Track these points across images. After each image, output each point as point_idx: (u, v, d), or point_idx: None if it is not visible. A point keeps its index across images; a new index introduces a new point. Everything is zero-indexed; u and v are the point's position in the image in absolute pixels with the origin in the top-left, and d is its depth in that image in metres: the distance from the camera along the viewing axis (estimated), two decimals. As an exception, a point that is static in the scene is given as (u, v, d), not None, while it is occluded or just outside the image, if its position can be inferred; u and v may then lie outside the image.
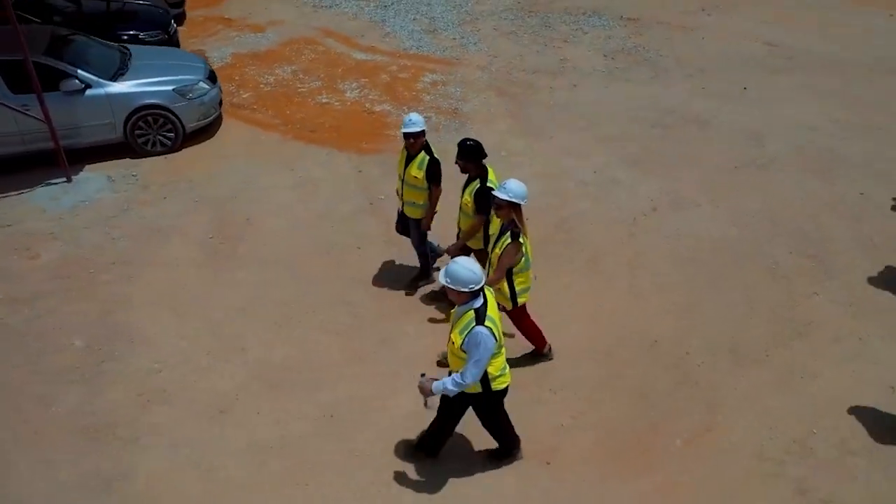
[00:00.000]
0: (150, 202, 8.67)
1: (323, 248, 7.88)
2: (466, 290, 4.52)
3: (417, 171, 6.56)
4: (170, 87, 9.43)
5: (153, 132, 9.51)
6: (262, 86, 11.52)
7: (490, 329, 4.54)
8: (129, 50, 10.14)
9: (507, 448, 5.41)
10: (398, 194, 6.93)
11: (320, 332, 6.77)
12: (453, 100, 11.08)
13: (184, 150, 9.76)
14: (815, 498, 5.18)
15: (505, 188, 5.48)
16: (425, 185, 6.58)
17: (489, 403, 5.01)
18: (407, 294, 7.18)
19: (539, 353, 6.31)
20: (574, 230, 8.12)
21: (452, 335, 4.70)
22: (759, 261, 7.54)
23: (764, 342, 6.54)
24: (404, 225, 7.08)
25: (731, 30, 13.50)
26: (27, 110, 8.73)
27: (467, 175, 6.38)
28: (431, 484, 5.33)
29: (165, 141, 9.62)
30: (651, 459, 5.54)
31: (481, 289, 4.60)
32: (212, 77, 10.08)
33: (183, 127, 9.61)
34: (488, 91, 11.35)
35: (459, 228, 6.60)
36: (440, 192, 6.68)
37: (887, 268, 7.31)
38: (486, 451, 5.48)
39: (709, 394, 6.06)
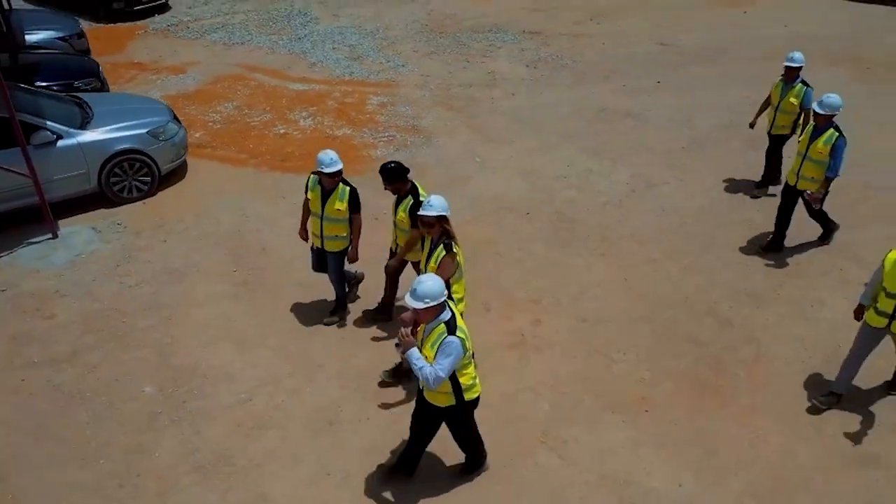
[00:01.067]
0: (150, 247, 8.43)
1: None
2: (438, 302, 4.61)
3: (340, 203, 6.58)
4: (144, 130, 9.20)
5: (129, 178, 9.22)
6: (210, 124, 11.40)
7: (461, 339, 4.68)
8: (82, 99, 9.73)
9: (475, 461, 5.58)
10: (309, 234, 6.95)
11: (377, 339, 7.03)
12: (407, 118, 11.59)
13: (159, 194, 9.52)
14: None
15: (430, 205, 5.63)
16: (347, 216, 6.67)
17: (462, 414, 5.13)
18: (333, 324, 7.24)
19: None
20: (573, 218, 8.92)
21: (424, 351, 4.76)
22: (737, 221, 8.73)
23: (769, 284, 7.67)
24: (322, 262, 7.04)
25: (623, 35, 15.09)
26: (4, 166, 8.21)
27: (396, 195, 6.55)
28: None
29: (141, 186, 9.35)
30: (725, 393, 6.39)
31: (444, 303, 4.71)
32: (175, 117, 9.92)
33: (158, 170, 9.39)
34: (436, 107, 11.98)
35: (396, 245, 6.76)
36: (361, 219, 6.80)
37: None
38: (458, 465, 5.64)
39: (746, 331, 7.06)
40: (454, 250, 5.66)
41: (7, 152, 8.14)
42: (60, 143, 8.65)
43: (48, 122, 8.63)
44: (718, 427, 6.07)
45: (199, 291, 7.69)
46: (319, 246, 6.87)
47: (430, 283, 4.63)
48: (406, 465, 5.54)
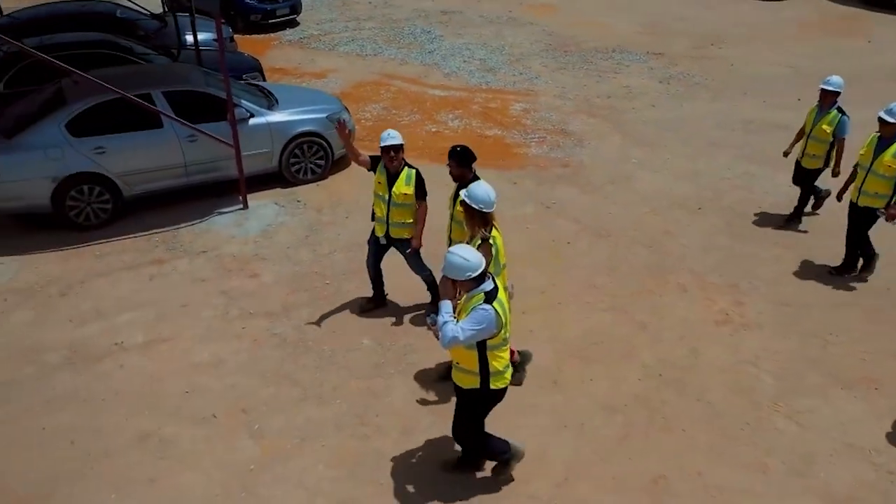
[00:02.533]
0: (333, 222, 8.71)
1: (539, 244, 8.23)
2: (464, 278, 4.36)
3: (406, 187, 6.24)
4: (322, 115, 9.59)
5: (306, 160, 9.58)
6: (362, 121, 11.79)
7: (497, 312, 4.38)
8: (264, 87, 10.22)
9: (469, 459, 5.23)
10: (376, 219, 6.53)
11: (590, 310, 7.09)
12: (554, 122, 11.82)
13: (330, 178, 9.87)
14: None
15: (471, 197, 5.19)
16: (415, 202, 6.31)
17: (481, 402, 4.79)
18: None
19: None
20: (746, 214, 8.94)
21: (459, 319, 4.47)
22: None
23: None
24: (380, 254, 6.76)
25: (748, 58, 15.18)
26: (193, 140, 8.65)
27: (456, 185, 6.01)
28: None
29: (316, 168, 9.71)
30: None
31: (484, 274, 4.45)
32: (345, 108, 10.31)
33: (332, 153, 9.75)
34: (579, 114, 12.19)
35: (450, 240, 6.14)
36: (426, 206, 6.42)
37: None
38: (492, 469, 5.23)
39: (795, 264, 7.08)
40: (490, 241, 5.24)
41: (209, 125, 8.58)
42: (252, 121, 9.08)
43: (243, 101, 9.08)
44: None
45: (390, 261, 7.86)
46: (384, 233, 6.46)
47: (454, 256, 4.36)
48: (466, 462, 5.27)
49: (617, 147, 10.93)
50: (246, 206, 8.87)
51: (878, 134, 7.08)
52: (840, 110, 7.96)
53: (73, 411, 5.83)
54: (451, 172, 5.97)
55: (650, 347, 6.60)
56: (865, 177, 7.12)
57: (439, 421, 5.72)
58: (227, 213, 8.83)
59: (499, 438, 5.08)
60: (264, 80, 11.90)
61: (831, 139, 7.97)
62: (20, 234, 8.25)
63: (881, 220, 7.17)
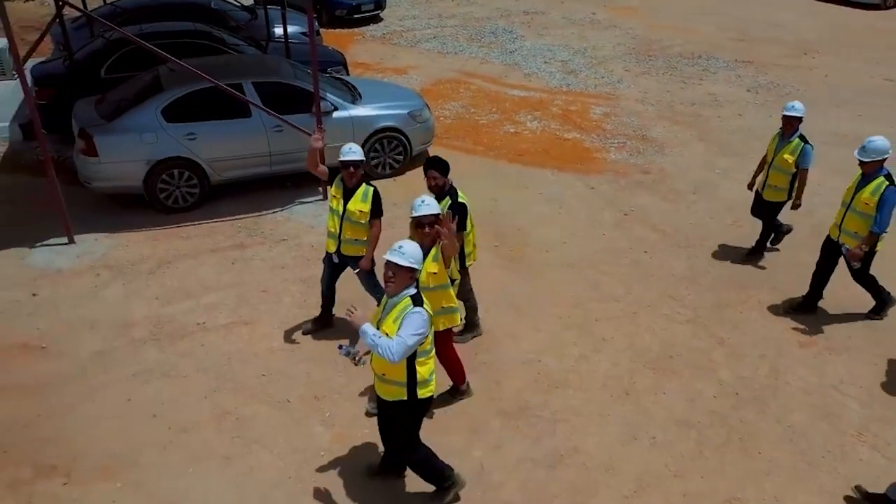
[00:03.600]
0: (407, 218, 8.78)
1: (616, 252, 8.10)
2: (418, 267, 4.35)
3: (362, 204, 5.94)
4: (404, 111, 9.69)
5: (385, 155, 9.70)
6: (441, 119, 11.85)
7: (428, 315, 4.31)
8: (348, 81, 10.41)
9: (398, 466, 5.04)
10: (328, 234, 6.24)
11: (667, 321, 6.94)
12: (635, 128, 11.60)
13: (407, 173, 9.96)
14: None
15: (427, 204, 5.14)
16: (368, 219, 6.00)
17: (412, 413, 4.61)
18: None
19: (457, 389, 5.89)
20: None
21: (384, 327, 4.31)
22: None
23: None
24: (335, 273, 6.46)
25: (842, 69, 14.53)
26: (279, 130, 8.87)
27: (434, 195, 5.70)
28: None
29: (394, 164, 9.82)
30: None
31: (416, 275, 4.41)
32: (427, 105, 10.39)
33: (411, 149, 9.84)
34: (661, 120, 11.93)
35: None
36: (380, 226, 6.11)
37: None
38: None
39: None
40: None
41: (294, 117, 8.78)
42: (336, 114, 9.25)
43: (328, 95, 9.27)
44: None
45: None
46: (334, 250, 6.19)
47: (414, 247, 4.37)
48: (387, 469, 5.16)
49: (700, 155, 10.65)
50: (325, 198, 9.06)
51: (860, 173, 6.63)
52: (803, 138, 7.43)
53: (157, 385, 6.08)
54: (432, 185, 5.80)
55: (728, 364, 6.41)
56: (845, 213, 6.66)
57: (509, 424, 5.70)
58: (307, 203, 9.04)
59: (443, 462, 4.83)
60: (348, 73, 12.12)
61: (794, 169, 7.42)
62: (114, 213, 8.65)
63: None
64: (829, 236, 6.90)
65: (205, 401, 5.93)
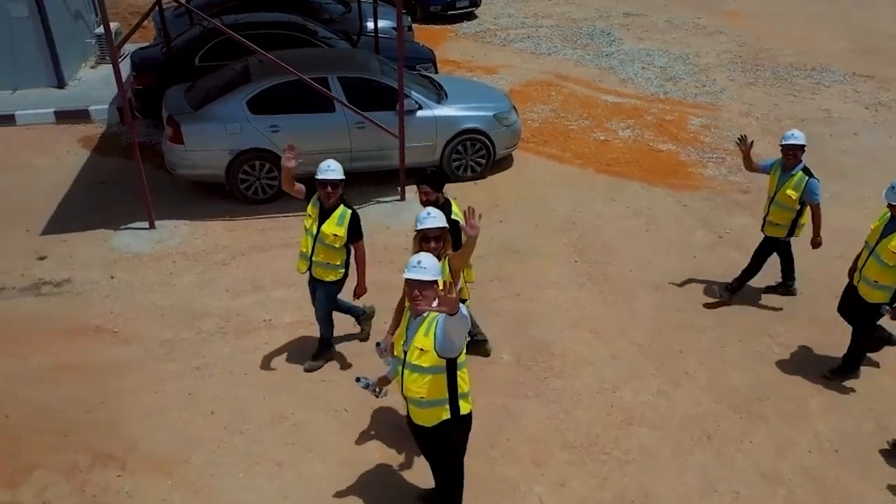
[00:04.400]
0: (488, 225, 8.33)
1: (706, 276, 7.51)
2: (441, 275, 3.99)
3: (337, 228, 5.49)
4: (490, 113, 9.36)
5: (467, 157, 9.40)
6: (528, 122, 11.45)
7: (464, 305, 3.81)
8: (434, 79, 10.17)
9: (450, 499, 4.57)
10: (300, 253, 5.79)
11: (759, 360, 6.34)
12: (735, 143, 10.81)
13: (489, 178, 9.63)
14: None
15: (433, 216, 4.72)
16: (344, 244, 5.57)
17: (458, 431, 4.21)
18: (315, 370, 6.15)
19: None
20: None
21: (417, 343, 3.92)
22: None
23: None
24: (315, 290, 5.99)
25: (980, 89, 13.17)
26: (361, 126, 8.71)
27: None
28: None
29: (476, 167, 9.51)
30: None
31: None
32: (514, 107, 10.01)
33: (494, 153, 9.50)
34: (767, 136, 11.08)
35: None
36: (363, 248, 5.69)
37: None
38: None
39: None
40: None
41: (377, 114, 8.60)
42: (419, 113, 9.01)
43: (412, 93, 9.04)
44: None
45: (546, 274, 7.52)
46: (306, 270, 5.79)
47: (431, 258, 4.01)
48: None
49: (807, 177, 9.80)
50: (403, 198, 8.85)
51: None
52: (807, 171, 6.57)
53: (218, 381, 6.01)
54: (423, 200, 5.39)
55: (827, 415, 5.76)
56: (867, 258, 5.69)
57: (576, 459, 5.30)
58: (384, 202, 8.87)
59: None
60: (437, 71, 11.88)
61: (798, 206, 6.59)
62: (195, 201, 8.73)
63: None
64: (850, 281, 6.05)
65: (263, 402, 5.81)
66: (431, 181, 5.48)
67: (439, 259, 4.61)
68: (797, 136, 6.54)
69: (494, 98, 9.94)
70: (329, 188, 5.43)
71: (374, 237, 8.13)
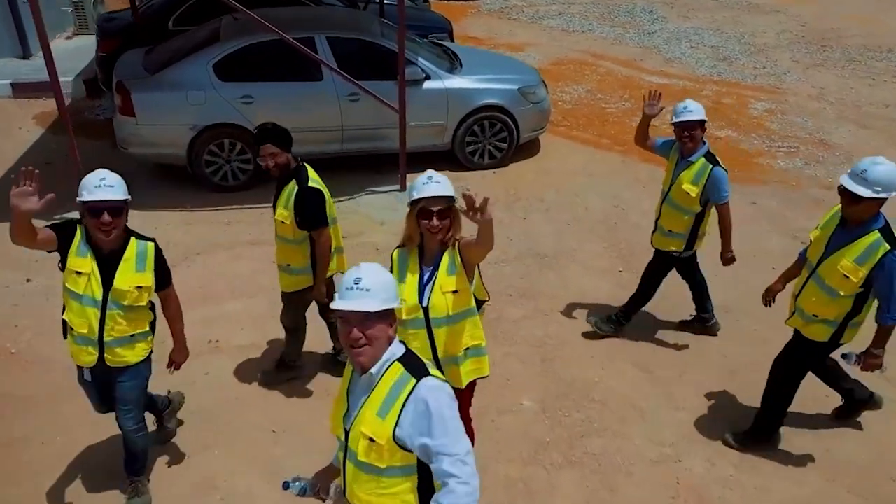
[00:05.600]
0: (507, 223, 6.76)
1: (782, 297, 5.73)
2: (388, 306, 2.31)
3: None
4: (514, 87, 7.65)
5: (485, 140, 7.71)
6: (559, 103, 9.74)
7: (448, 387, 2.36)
8: (448, 47, 8.50)
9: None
10: (84, 342, 3.60)
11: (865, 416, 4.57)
12: (809, 130, 9.03)
13: (511, 165, 7.94)
14: None
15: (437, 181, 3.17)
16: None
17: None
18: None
19: None
20: None
21: (363, 427, 2.30)
22: None
23: None
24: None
25: None
26: (355, 99, 7.07)
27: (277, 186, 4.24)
28: None
29: (495, 152, 7.81)
30: None
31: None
32: (543, 82, 8.30)
33: (518, 136, 7.80)
34: (845, 123, 9.28)
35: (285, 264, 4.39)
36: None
37: None
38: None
39: None
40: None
41: (375, 84, 6.96)
42: (427, 84, 7.36)
43: (419, 59, 7.38)
44: None
45: (581, 287, 5.83)
46: (93, 362, 3.62)
47: (377, 274, 2.33)
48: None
49: (903, 171, 7.97)
50: (403, 188, 7.19)
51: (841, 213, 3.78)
52: (711, 158, 4.67)
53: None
54: (271, 165, 4.07)
55: None
56: (806, 282, 3.89)
57: (625, 566, 3.61)
58: (380, 192, 7.23)
59: None
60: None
61: (698, 208, 4.73)
62: (154, 186, 7.17)
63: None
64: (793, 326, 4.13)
65: (190, 461, 4.18)
66: (275, 138, 4.05)
67: (445, 249, 3.15)
68: (693, 109, 4.58)
69: (520, 69, 8.26)
70: (108, 217, 3.29)
71: (365, 235, 6.52)
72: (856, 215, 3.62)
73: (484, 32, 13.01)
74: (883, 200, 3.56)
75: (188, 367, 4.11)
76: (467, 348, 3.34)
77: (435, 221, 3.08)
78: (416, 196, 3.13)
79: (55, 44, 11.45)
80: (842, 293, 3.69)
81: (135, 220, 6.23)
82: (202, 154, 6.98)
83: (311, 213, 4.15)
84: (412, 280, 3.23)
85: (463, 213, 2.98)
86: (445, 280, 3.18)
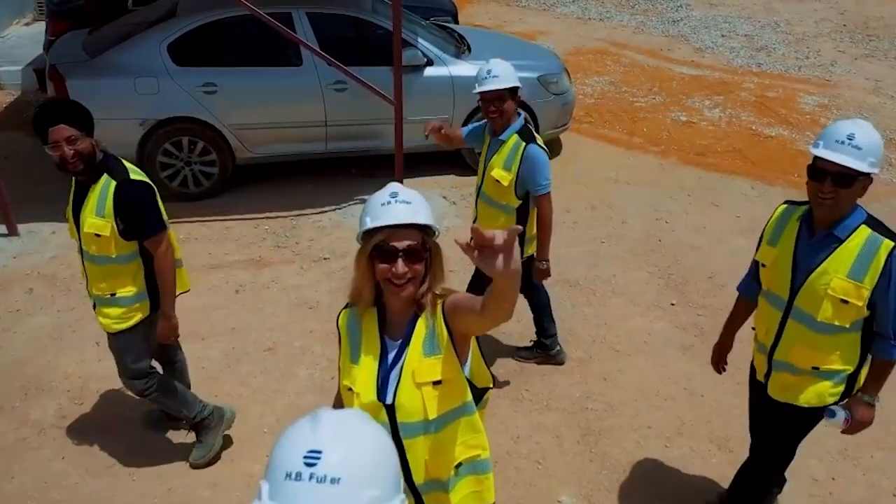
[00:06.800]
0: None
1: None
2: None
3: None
4: (533, 74, 6.39)
5: (497, 138, 6.44)
6: (581, 97, 8.47)
7: None
8: (455, 30, 7.26)
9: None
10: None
11: None
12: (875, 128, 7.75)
13: (528, 169, 6.66)
14: None
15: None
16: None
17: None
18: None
19: None
20: None
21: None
22: None
23: None
24: None
25: None
26: (342, 89, 5.83)
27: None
28: None
29: (510, 153, 6.53)
30: None
31: None
32: (566, 71, 7.04)
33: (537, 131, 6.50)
34: (914, 119, 8.02)
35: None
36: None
37: None
38: None
39: None
40: None
41: (366, 71, 5.71)
42: (429, 70, 6.13)
43: (420, 41, 6.13)
44: None
45: (627, 326, 4.56)
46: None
47: None
48: None
49: None
50: (400, 196, 5.92)
51: (804, 207, 2.61)
52: (526, 134, 3.58)
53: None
54: (68, 155, 2.84)
55: None
56: (782, 327, 2.65)
57: None
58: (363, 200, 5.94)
59: None
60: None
61: (517, 200, 3.64)
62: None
63: None
64: (754, 378, 2.94)
65: None
66: (71, 115, 2.85)
67: (420, 311, 1.97)
68: (499, 74, 3.44)
69: (539, 55, 7.03)
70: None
71: (351, 254, 5.20)
72: (837, 207, 2.41)
73: (490, 20, 11.76)
74: (870, 181, 2.40)
75: (109, 440, 2.84)
76: (460, 464, 2.05)
77: (400, 267, 1.83)
78: (369, 225, 1.87)
79: (12, 30, 10.26)
80: (847, 325, 2.48)
81: (63, 237, 4.99)
82: (155, 155, 5.74)
83: (142, 215, 2.97)
84: (367, 364, 1.97)
85: (468, 253, 1.66)
86: (420, 364, 1.91)
